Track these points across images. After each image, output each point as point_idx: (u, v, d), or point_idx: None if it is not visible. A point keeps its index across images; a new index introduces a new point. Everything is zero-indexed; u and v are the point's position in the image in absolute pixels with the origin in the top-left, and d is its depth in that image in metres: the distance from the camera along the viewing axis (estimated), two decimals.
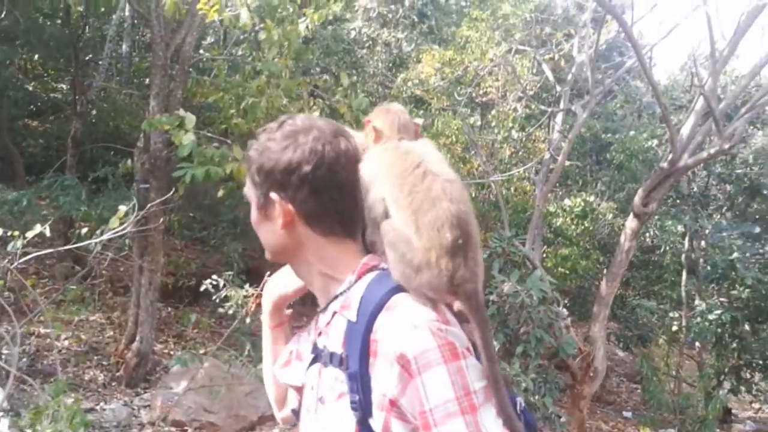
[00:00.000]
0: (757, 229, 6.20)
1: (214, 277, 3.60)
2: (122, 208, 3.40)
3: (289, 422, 1.54)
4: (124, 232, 3.59)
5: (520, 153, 7.97)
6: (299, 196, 1.18)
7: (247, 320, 3.67)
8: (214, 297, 3.52)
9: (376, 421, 1.07)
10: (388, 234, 1.19)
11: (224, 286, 3.46)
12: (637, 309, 6.98)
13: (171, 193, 3.75)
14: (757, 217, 7.28)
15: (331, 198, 1.19)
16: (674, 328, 7.21)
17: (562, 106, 7.66)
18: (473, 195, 8.00)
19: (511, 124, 7.97)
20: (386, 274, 1.17)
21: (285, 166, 1.18)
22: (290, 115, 1.29)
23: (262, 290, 1.55)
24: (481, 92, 9.70)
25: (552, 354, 5.38)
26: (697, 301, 6.64)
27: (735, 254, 5.76)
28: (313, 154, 1.17)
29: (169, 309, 7.44)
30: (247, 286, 3.53)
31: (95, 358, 5.53)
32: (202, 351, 5.64)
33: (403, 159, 1.24)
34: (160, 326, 6.64)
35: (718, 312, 6.07)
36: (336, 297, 1.21)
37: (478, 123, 9.23)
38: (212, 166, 4.32)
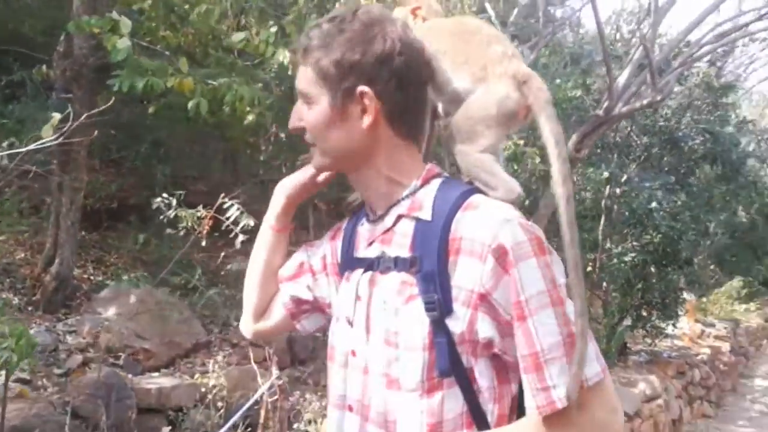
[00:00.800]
0: (672, 179, 6.67)
1: (165, 195, 3.35)
2: (56, 115, 3.07)
3: (260, 336, 1.48)
4: (54, 143, 3.25)
5: None
6: (387, 90, 1.12)
7: (203, 243, 3.49)
8: (162, 217, 3.29)
9: (456, 320, 1.05)
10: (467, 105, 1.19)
11: (176, 206, 3.23)
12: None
13: (106, 105, 3.38)
14: (666, 169, 7.77)
15: (412, 94, 1.16)
16: (588, 269, 7.71)
17: None
18: None
19: None
20: (454, 180, 1.20)
21: (376, 57, 1.10)
22: (357, 5, 1.18)
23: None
24: None
25: None
26: (611, 245, 7.10)
27: (654, 203, 6.17)
28: (402, 44, 1.11)
29: (83, 232, 6.99)
30: (201, 207, 3.31)
31: (7, 280, 5.11)
32: (125, 277, 5.36)
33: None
34: (77, 250, 6.23)
35: (632, 255, 6.54)
36: (399, 201, 1.18)
37: None
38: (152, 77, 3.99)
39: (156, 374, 4.25)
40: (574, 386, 1.00)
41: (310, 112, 1.17)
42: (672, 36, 8.00)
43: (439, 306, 1.06)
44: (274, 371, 3.50)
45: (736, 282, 13.32)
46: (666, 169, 7.61)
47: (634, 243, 7.04)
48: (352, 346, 1.20)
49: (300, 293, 1.39)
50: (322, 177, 1.35)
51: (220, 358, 4.35)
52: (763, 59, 12.78)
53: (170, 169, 6.41)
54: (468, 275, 1.06)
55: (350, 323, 1.20)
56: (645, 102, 5.99)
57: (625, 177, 7.49)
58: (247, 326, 1.47)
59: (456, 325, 1.06)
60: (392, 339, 1.10)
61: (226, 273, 5.55)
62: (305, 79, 1.17)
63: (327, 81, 1.14)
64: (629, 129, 8.03)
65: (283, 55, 4.05)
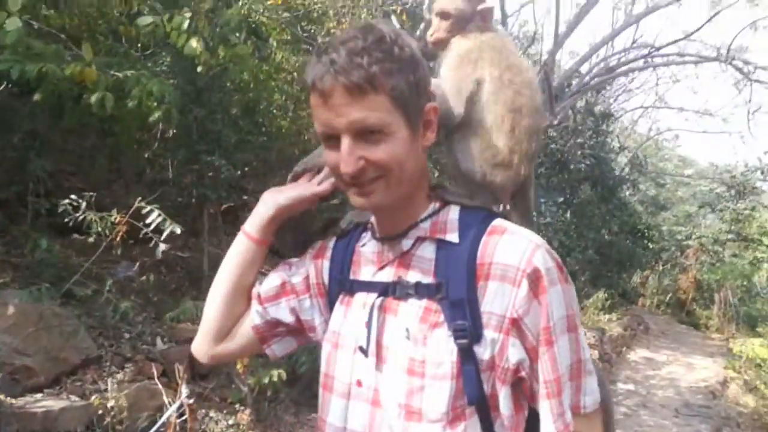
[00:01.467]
0: (561, 199, 7.13)
1: (73, 197, 2.98)
2: None
3: (218, 360, 1.37)
4: None
5: None
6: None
7: (118, 251, 3.15)
8: (67, 220, 2.92)
9: (485, 346, 1.04)
10: (480, 120, 1.21)
11: (84, 208, 2.89)
12: None
13: None
14: (554, 189, 8.31)
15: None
16: None
17: None
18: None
19: None
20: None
21: (426, 71, 1.10)
22: (377, 23, 1.11)
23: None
24: (323, 33, 9.42)
25: None
26: None
27: (548, 219, 6.58)
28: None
29: None
30: (114, 212, 2.99)
31: None
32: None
33: (501, 47, 1.29)
34: None
35: None
36: (417, 223, 1.14)
37: None
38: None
39: (39, 395, 3.79)
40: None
41: (387, 146, 1.05)
42: (568, 63, 8.54)
43: (470, 333, 1.04)
44: (184, 390, 3.24)
45: (602, 293, 14.55)
46: (554, 188, 8.14)
47: None
48: (358, 375, 1.13)
49: (281, 316, 1.29)
50: (320, 192, 1.26)
51: (120, 375, 3.96)
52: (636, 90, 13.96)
53: (48, 163, 5.77)
54: (499, 300, 1.04)
55: (363, 352, 1.12)
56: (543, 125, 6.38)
57: None
58: (203, 349, 1.33)
59: (484, 352, 1.04)
60: (417, 368, 1.05)
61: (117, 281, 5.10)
62: (381, 109, 1.03)
63: (405, 105, 1.06)
64: None
65: (198, 45, 3.76)
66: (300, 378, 4.63)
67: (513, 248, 1.05)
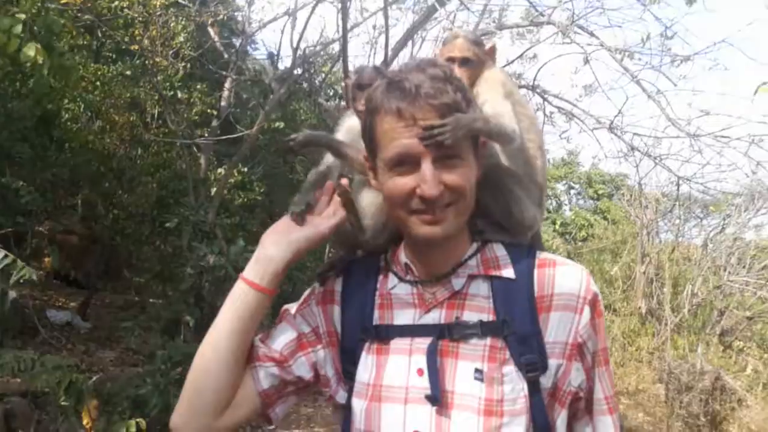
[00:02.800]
0: None
1: None
2: None
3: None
4: None
5: (185, 114, 7.38)
6: None
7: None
8: None
9: (549, 376, 1.08)
10: (525, 160, 1.28)
11: None
12: None
13: None
14: None
15: None
16: None
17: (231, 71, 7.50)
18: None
19: (178, 83, 7.34)
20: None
21: None
22: (436, 60, 1.18)
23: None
24: (126, 39, 8.64)
25: None
26: None
27: None
28: None
29: None
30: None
31: None
32: None
33: (512, 82, 1.38)
34: None
35: None
36: (465, 261, 1.15)
37: (128, 72, 8.21)
38: None
39: None
40: None
41: (463, 171, 1.07)
42: None
43: (539, 366, 1.07)
44: None
45: None
46: None
47: None
48: (415, 427, 1.07)
49: (302, 373, 1.19)
50: (335, 226, 1.21)
51: None
52: None
53: None
54: (562, 329, 1.09)
55: (431, 400, 1.06)
56: None
57: None
58: (199, 425, 1.14)
59: (547, 380, 1.08)
60: (495, 408, 1.04)
61: None
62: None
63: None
64: None
65: (33, 51, 3.21)
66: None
67: (570, 278, 1.11)
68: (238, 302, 1.17)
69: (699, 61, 5.42)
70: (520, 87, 6.33)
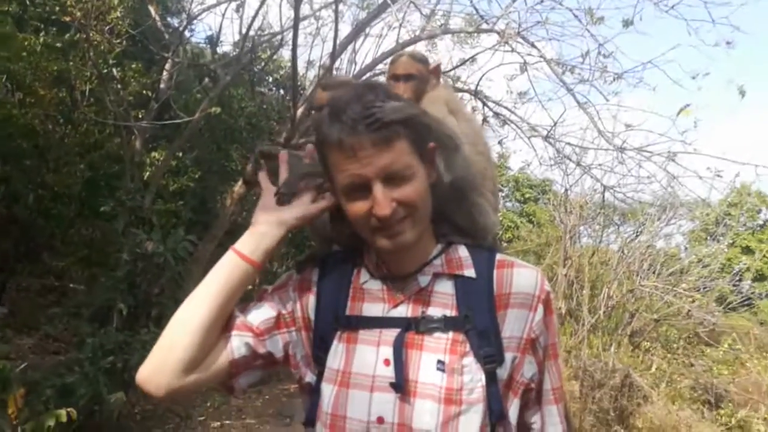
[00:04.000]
0: None
1: None
2: None
3: (179, 394, 1.22)
4: None
5: (121, 93, 7.04)
6: None
7: None
8: None
9: (504, 368, 1.18)
10: (481, 173, 1.36)
11: None
12: None
13: None
14: None
15: None
16: (249, 287, 7.90)
17: (172, 53, 7.25)
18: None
19: (113, 61, 7.02)
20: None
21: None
22: (376, 83, 1.27)
23: None
24: (57, 9, 8.14)
25: None
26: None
27: None
28: None
29: None
30: None
31: None
32: None
33: (458, 99, 1.50)
34: None
35: None
36: (431, 261, 1.24)
37: (58, 44, 7.72)
38: None
39: None
40: None
41: (413, 185, 1.14)
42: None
43: (496, 358, 1.17)
44: None
45: None
46: None
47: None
48: (379, 413, 1.15)
49: (275, 350, 1.25)
50: (325, 207, 1.28)
51: None
52: None
53: None
54: (518, 325, 1.19)
55: (395, 387, 1.14)
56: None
57: None
58: (164, 380, 1.17)
59: (504, 372, 1.18)
60: (455, 396, 1.13)
61: None
62: (404, 154, 1.13)
63: (420, 146, 1.16)
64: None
65: None
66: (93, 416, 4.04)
67: (526, 278, 1.22)
68: (226, 270, 1.22)
69: (628, 78, 5.76)
70: (462, 91, 6.52)
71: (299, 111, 6.68)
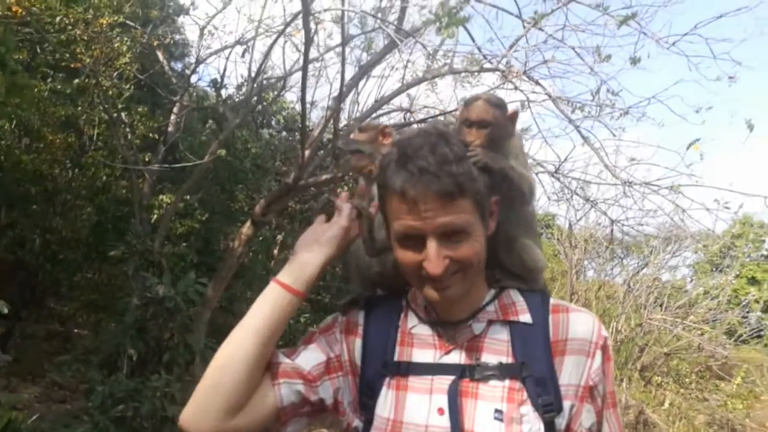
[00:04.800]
0: None
1: None
2: None
3: None
4: None
5: (128, 137, 7.10)
6: None
7: None
8: None
9: (562, 417, 1.13)
10: (533, 218, 1.36)
11: None
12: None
13: None
14: None
15: None
16: None
17: (180, 97, 7.33)
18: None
19: (121, 105, 7.09)
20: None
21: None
22: (438, 123, 1.23)
23: None
24: (67, 55, 8.28)
25: (190, 360, 5.11)
26: None
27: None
28: None
29: None
30: None
31: None
32: None
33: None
34: None
35: (306, 315, 7.00)
36: (484, 307, 1.20)
37: (67, 90, 7.83)
38: None
39: None
40: None
41: (469, 244, 1.11)
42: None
43: (555, 407, 1.12)
44: None
45: None
46: None
47: (305, 303, 7.53)
48: None
49: (326, 396, 1.21)
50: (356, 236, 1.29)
51: None
52: None
53: None
54: (575, 372, 1.15)
55: None
56: (328, 176, 6.63)
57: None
58: (209, 424, 1.11)
59: (561, 422, 1.13)
60: None
61: None
62: (467, 211, 1.10)
63: (482, 205, 1.13)
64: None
65: None
66: None
67: (582, 324, 1.18)
68: (269, 303, 1.18)
69: (633, 112, 5.81)
70: None
71: (307, 152, 6.71)
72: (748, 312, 11.99)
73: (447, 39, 6.00)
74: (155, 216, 7.19)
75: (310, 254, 1.22)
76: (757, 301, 12.18)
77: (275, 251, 7.97)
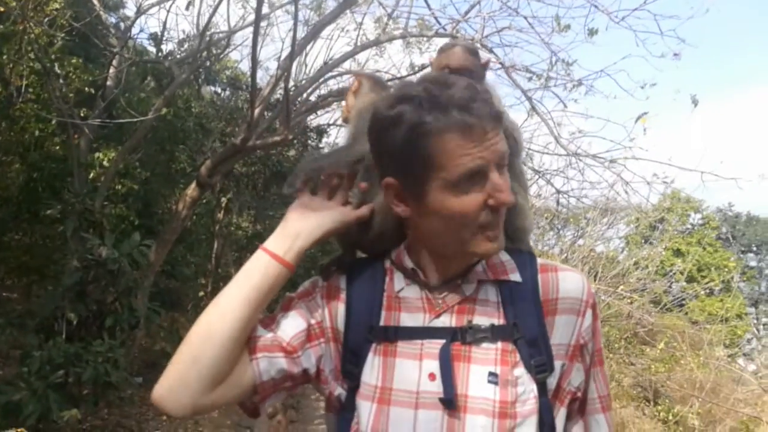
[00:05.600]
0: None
1: None
2: None
3: (199, 411, 1.10)
4: None
5: (64, 89, 6.63)
6: None
7: None
8: None
9: (554, 376, 1.12)
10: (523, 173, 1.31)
11: None
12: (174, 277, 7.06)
13: None
14: (274, 197, 8.47)
15: None
16: (201, 293, 7.64)
17: (121, 49, 6.89)
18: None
19: (55, 54, 6.59)
20: None
21: None
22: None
23: None
24: None
25: (135, 324, 4.90)
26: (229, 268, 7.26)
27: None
28: None
29: None
30: None
31: None
32: None
33: None
34: None
35: None
36: (473, 267, 1.15)
37: None
38: None
39: None
40: None
41: (507, 179, 1.06)
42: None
43: (547, 367, 1.10)
44: None
45: None
46: (273, 198, 8.28)
47: None
48: (428, 430, 1.06)
49: (308, 365, 1.15)
50: (362, 217, 1.20)
51: None
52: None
53: None
54: (566, 331, 1.13)
55: (446, 403, 1.05)
56: (278, 138, 6.45)
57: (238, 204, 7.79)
58: (188, 396, 1.05)
59: (552, 381, 1.11)
60: (509, 410, 1.06)
61: None
62: (504, 143, 1.05)
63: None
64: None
65: None
66: None
67: (572, 283, 1.16)
68: (256, 273, 1.11)
69: (584, 85, 5.93)
70: None
71: (256, 112, 6.50)
72: (672, 282, 12.69)
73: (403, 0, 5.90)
74: (92, 175, 6.82)
75: (304, 226, 1.15)
76: (681, 273, 12.90)
77: (220, 215, 7.74)
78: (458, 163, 1.01)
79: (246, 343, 1.11)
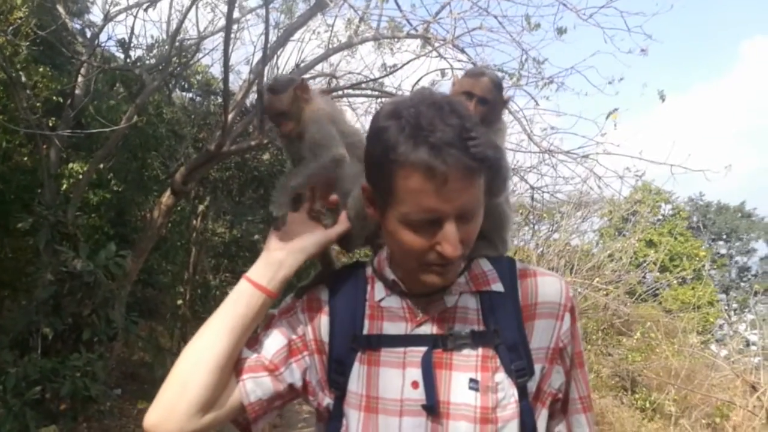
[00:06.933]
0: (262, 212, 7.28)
1: None
2: None
3: None
4: None
5: (31, 99, 6.47)
6: None
7: None
8: None
9: (533, 380, 1.14)
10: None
11: None
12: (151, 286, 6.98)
13: None
14: (249, 203, 8.41)
15: None
16: (179, 302, 7.55)
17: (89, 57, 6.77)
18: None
19: (21, 64, 6.45)
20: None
21: None
22: (457, 102, 1.09)
23: None
24: None
25: (113, 336, 4.83)
26: (207, 275, 7.20)
27: (256, 236, 6.63)
28: None
29: None
30: None
31: None
32: None
33: None
34: None
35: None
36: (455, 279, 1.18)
37: None
38: None
39: None
40: None
41: (474, 225, 1.06)
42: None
43: (527, 371, 1.13)
44: None
45: None
46: (249, 203, 8.22)
47: (227, 274, 7.33)
48: None
49: (294, 380, 1.17)
50: (341, 234, 1.23)
51: None
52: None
53: None
54: (545, 335, 1.16)
55: (429, 410, 1.07)
56: (252, 143, 6.42)
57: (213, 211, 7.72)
58: (178, 424, 1.07)
59: (532, 384, 1.14)
60: (490, 415, 1.08)
61: None
62: (480, 191, 1.03)
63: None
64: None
65: None
66: None
67: (551, 288, 1.18)
68: (240, 302, 1.14)
69: (555, 83, 6.02)
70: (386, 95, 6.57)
71: (230, 117, 6.45)
72: (646, 273, 12.91)
73: (374, 1, 5.92)
74: (64, 185, 6.70)
75: (286, 254, 1.17)
76: (654, 263, 13.13)
77: (195, 222, 7.66)
78: (415, 203, 1.00)
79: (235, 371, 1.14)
